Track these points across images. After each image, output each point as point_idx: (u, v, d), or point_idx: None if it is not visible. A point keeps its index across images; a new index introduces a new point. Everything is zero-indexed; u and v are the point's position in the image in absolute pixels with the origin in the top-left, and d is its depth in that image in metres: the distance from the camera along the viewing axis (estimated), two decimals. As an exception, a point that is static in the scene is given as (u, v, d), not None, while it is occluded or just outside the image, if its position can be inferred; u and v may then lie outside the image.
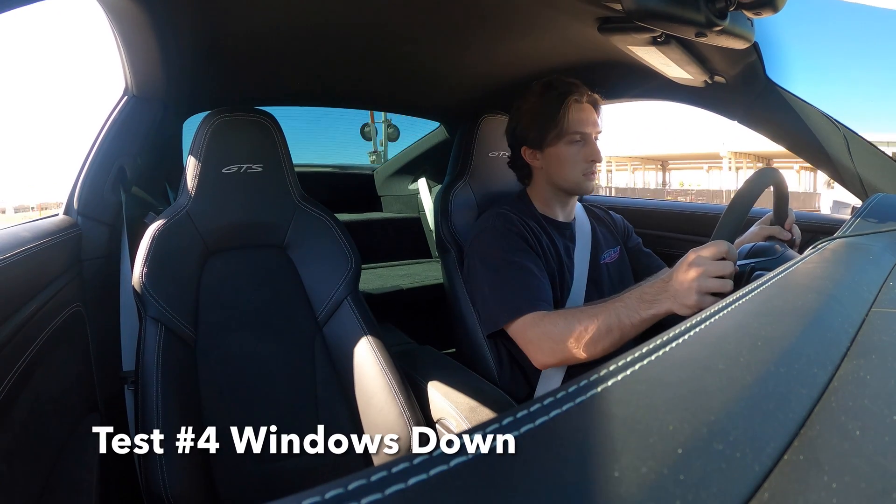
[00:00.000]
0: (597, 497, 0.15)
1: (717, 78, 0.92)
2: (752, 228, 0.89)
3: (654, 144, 23.32)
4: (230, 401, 0.85)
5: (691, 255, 0.64)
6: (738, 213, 0.67)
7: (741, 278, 0.66)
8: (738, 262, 0.66)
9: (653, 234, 1.41)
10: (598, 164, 0.95)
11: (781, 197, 0.81)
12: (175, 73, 0.89)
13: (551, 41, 0.94)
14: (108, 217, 0.96)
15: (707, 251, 0.63)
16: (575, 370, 0.92)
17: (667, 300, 0.66)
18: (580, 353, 0.75)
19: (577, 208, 1.05)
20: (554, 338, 0.77)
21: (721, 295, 0.62)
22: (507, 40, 0.94)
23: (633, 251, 1.11)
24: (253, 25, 0.82)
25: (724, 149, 20.59)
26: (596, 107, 0.95)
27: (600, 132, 0.95)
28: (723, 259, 0.63)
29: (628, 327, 0.70)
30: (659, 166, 26.95)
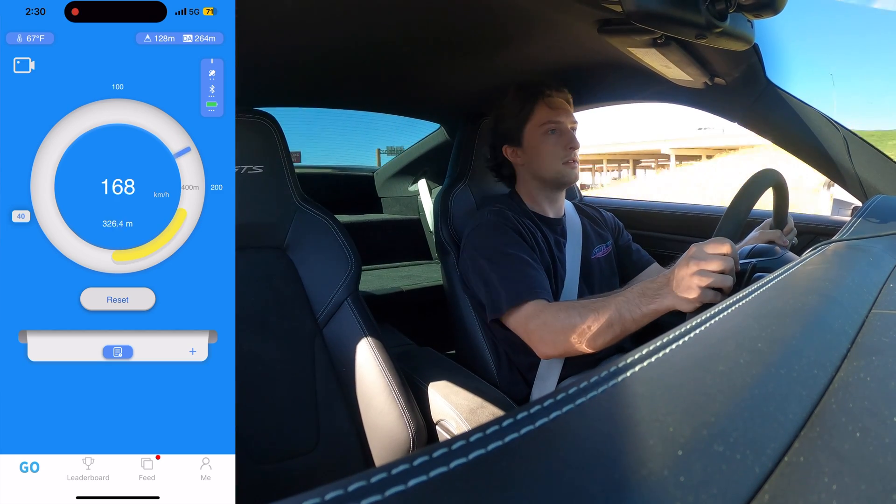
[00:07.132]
0: (596, 499, 0.15)
1: (717, 80, 0.92)
2: (752, 233, 0.89)
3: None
4: (230, 402, 0.85)
5: (693, 249, 0.64)
6: (740, 211, 0.67)
7: (742, 276, 0.66)
8: (740, 262, 0.66)
9: (651, 236, 1.41)
10: (576, 152, 0.98)
11: (782, 200, 0.81)
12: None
13: (551, 43, 0.95)
14: None
15: (709, 246, 0.63)
16: (570, 371, 0.93)
17: (668, 295, 0.67)
18: (581, 346, 0.76)
19: (567, 206, 1.07)
20: (555, 329, 0.78)
21: (722, 290, 0.62)
22: (507, 43, 0.94)
23: (623, 247, 1.13)
24: (252, 27, 0.82)
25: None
26: (568, 103, 1.01)
27: (576, 123, 1.00)
28: (725, 255, 0.63)
29: (629, 322, 0.71)
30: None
